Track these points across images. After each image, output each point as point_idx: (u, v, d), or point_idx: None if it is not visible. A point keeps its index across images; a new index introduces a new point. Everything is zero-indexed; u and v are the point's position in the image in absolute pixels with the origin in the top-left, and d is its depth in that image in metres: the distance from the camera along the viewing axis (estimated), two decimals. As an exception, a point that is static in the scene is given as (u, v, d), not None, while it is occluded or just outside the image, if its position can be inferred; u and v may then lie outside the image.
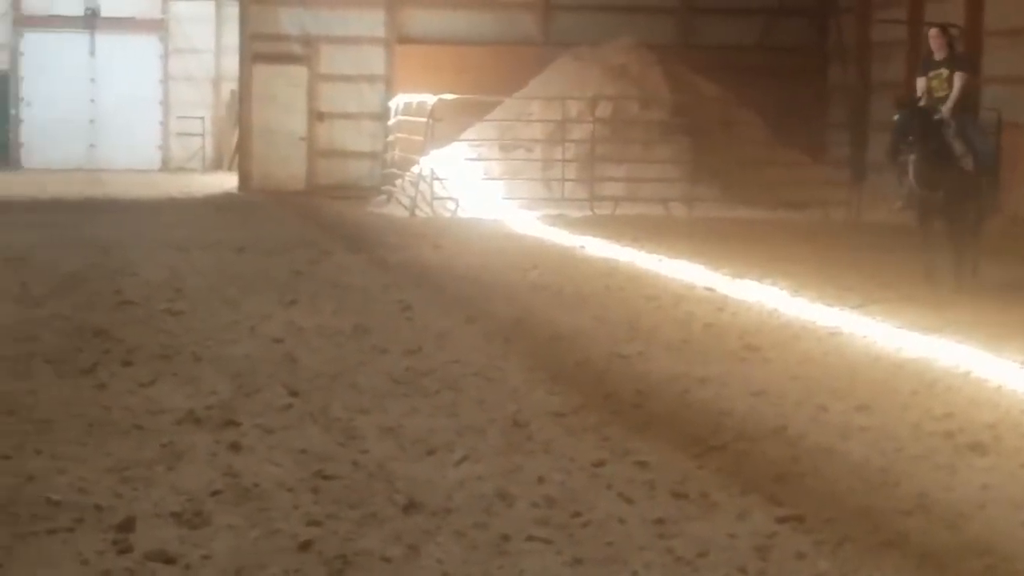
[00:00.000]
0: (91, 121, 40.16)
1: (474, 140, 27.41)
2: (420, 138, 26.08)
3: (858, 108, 27.18)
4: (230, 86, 37.42)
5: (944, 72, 14.80)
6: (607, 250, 18.97)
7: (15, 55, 39.81)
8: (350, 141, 30.07)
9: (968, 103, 15.19)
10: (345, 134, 30.04)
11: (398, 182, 27.37)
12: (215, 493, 6.99)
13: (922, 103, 14.77)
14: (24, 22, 39.75)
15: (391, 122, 28.74)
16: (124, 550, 6.08)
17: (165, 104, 40.82)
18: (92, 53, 40.19)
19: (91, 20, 39.93)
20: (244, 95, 30.33)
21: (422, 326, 12.25)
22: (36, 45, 39.84)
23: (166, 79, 40.82)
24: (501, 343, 11.46)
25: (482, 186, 26.23)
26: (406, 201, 25.73)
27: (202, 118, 40.68)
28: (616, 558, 6.08)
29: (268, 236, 20.25)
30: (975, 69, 15.44)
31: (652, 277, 16.06)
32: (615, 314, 13.08)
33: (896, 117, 14.59)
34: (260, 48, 29.68)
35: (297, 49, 29.81)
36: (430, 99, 25.89)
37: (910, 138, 14.34)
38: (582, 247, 19.42)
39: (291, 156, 29.93)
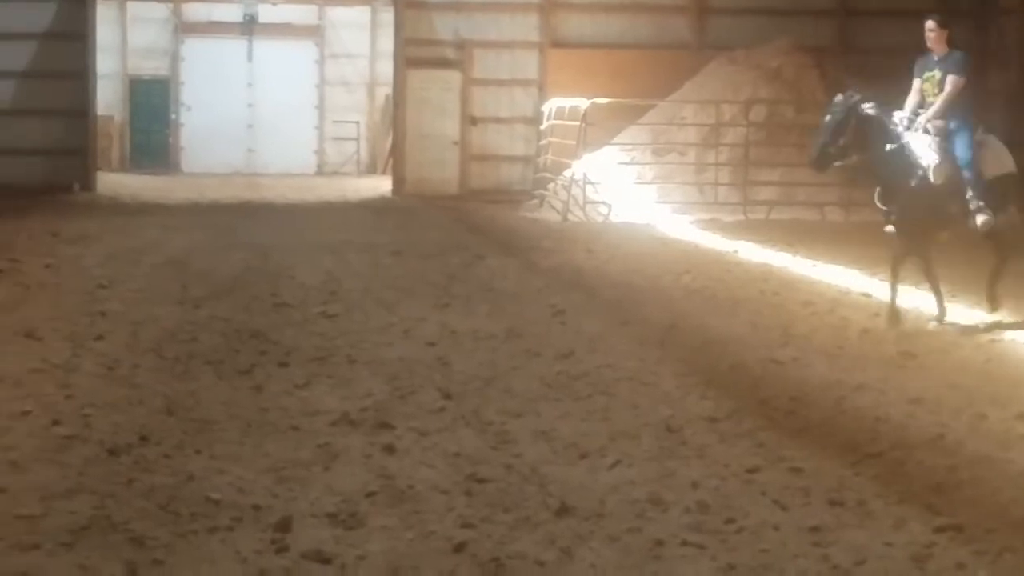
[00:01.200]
0: (249, 126, 40.80)
1: (627, 144, 27.33)
2: (573, 142, 26.06)
3: (1019, 112, 26.58)
4: (385, 91, 37.77)
5: (937, 74, 12.84)
6: (761, 255, 18.82)
7: (176, 61, 40.61)
8: (503, 145, 30.16)
9: (959, 111, 12.74)
10: (498, 138, 30.15)
11: (551, 186, 27.39)
12: (370, 494, 7.05)
13: (911, 105, 12.94)
14: (185, 29, 40.54)
15: (544, 126, 28.78)
16: (281, 549, 6.16)
17: (321, 109, 41.35)
18: (250, 59, 40.84)
19: (249, 26, 40.59)
20: (398, 100, 30.58)
21: (575, 330, 12.24)
22: (196, 51, 40.60)
23: (322, 84, 41.35)
24: (654, 348, 11.41)
25: (635, 190, 26.15)
26: (558, 205, 25.73)
27: (357, 122, 41.12)
28: (771, 565, 6.02)
29: (422, 240, 20.38)
30: (968, 72, 12.82)
31: (807, 282, 15.88)
32: (769, 319, 12.97)
33: (826, 117, 12.72)
34: (414, 53, 29.89)
35: (451, 54, 29.97)
36: (583, 103, 25.86)
37: (841, 141, 12.48)
38: (735, 252, 19.28)
39: (444, 160, 30.11)
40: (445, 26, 29.87)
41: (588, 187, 25.34)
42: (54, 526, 6.39)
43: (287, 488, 7.15)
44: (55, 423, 8.45)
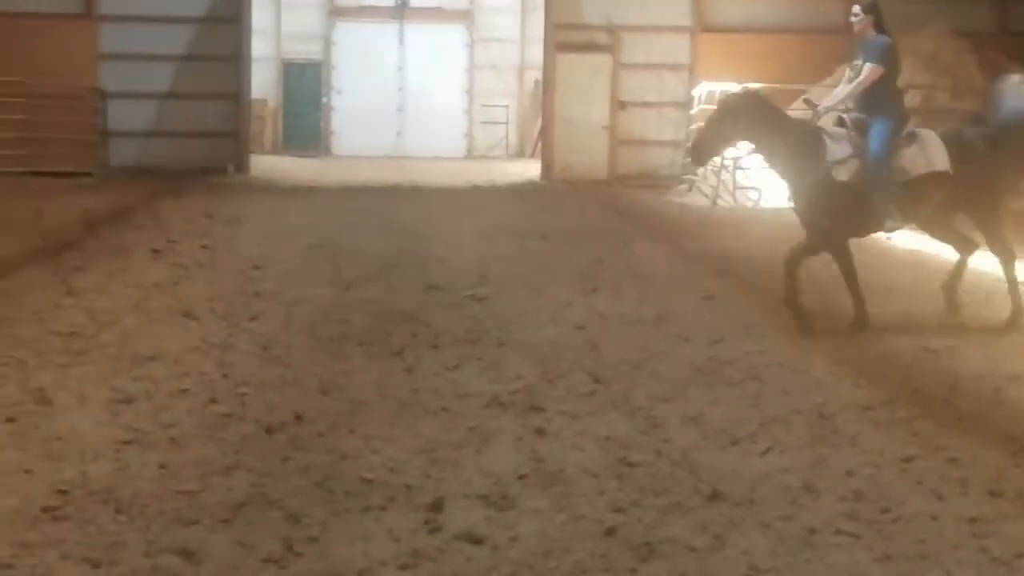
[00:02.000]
0: (399, 109, 41.08)
1: (778, 129, 27.05)
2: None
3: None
4: (534, 75, 37.80)
5: (859, 62, 12.03)
6: (914, 241, 18.52)
7: (328, 45, 41.02)
8: (651, 130, 30.03)
9: (877, 102, 11.79)
10: (647, 123, 30.02)
11: (700, 171, 27.22)
12: (521, 477, 7.08)
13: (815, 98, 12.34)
14: (337, 13, 40.93)
15: (694, 111, 28.61)
16: (434, 530, 6.22)
17: (470, 93, 41.49)
18: (401, 43, 41.13)
19: (400, 10, 40.87)
20: (547, 84, 30.58)
21: (725, 315, 12.17)
22: (347, 35, 40.96)
23: (471, 68, 41.49)
24: (805, 334, 11.29)
25: (785, 176, 25.86)
26: (708, 191, 25.59)
27: (506, 106, 41.21)
28: (928, 555, 5.95)
29: (570, 224, 20.38)
30: (887, 60, 11.84)
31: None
32: (922, 307, 12.77)
33: (716, 107, 12.08)
34: (564, 37, 29.88)
35: (601, 38, 29.90)
36: (734, 87, 25.65)
37: (726, 131, 11.75)
38: (888, 238, 18.98)
39: (593, 145, 30.04)
40: (595, 11, 29.79)
41: (738, 172, 25.14)
42: (213, 502, 6.51)
43: (439, 469, 7.21)
44: (212, 401, 8.61)
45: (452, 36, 41.30)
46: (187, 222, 19.41)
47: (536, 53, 34.28)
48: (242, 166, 29.50)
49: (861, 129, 11.88)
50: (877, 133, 11.76)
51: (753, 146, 12.03)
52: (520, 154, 40.13)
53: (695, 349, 10.63)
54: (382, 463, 7.27)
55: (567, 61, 29.97)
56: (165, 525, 6.18)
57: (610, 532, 6.20)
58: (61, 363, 9.61)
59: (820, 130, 12.01)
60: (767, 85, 25.45)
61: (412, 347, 10.60)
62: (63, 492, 6.58)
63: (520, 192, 27.82)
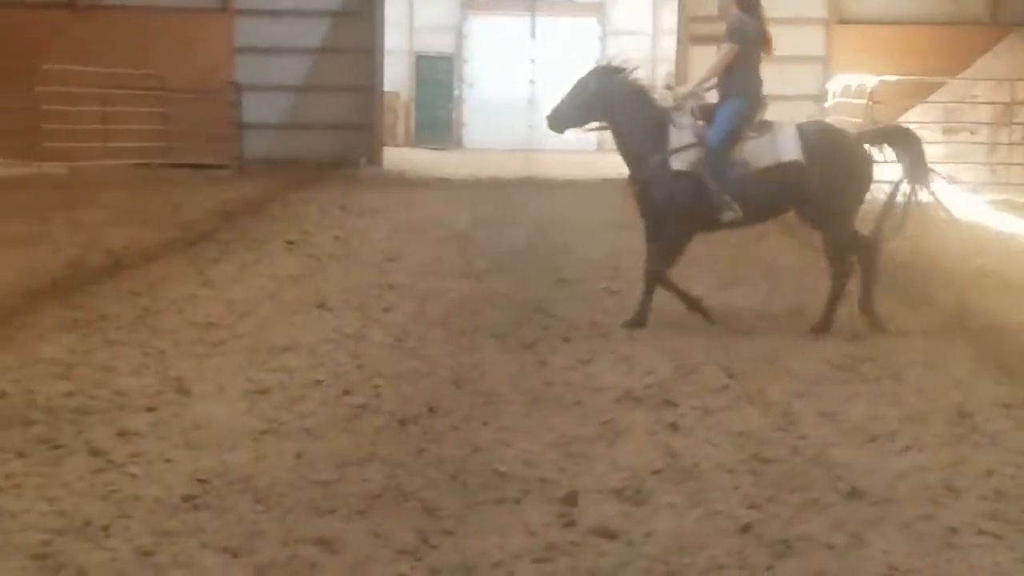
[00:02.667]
0: (530, 102, 41.12)
1: (915, 123, 26.66)
2: (859, 120, 25.56)
3: None
4: (666, 68, 37.63)
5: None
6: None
7: (460, 38, 41.18)
8: (786, 122, 29.74)
9: (729, 85, 11.40)
10: (780, 115, 29.66)
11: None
12: (655, 472, 7.04)
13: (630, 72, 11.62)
14: (470, 6, 41.08)
15: (828, 104, 28.29)
16: (568, 524, 6.20)
17: (602, 86, 41.40)
18: (532, 36, 41.16)
19: (532, 3, 40.91)
20: (680, 77, 30.41)
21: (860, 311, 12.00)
22: (480, 28, 41.10)
23: (603, 61, 41.40)
24: (942, 331, 11.11)
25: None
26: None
27: (638, 100, 41.07)
28: (1076, 558, 5.83)
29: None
30: (737, 38, 11.50)
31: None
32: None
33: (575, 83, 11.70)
34: (697, 30, 29.70)
35: (734, 31, 29.64)
36: (870, 81, 25.33)
37: (582, 105, 11.50)
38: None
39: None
40: (728, 2, 29.57)
41: (873, 166, 24.81)
42: (348, 493, 6.56)
43: (573, 463, 7.20)
44: (347, 392, 8.67)
45: (584, 29, 41.23)
46: (321, 214, 19.60)
47: (668, 46, 34.11)
48: (374, 159, 29.71)
49: (708, 116, 11.37)
50: (720, 120, 11.29)
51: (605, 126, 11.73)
52: (652, 147, 39.96)
53: (831, 345, 10.51)
54: (516, 456, 7.27)
55: (701, 53, 29.76)
56: (302, 515, 6.23)
57: (745, 529, 6.15)
58: (199, 353, 9.74)
59: (668, 117, 11.39)
60: (904, 78, 25.20)
61: (545, 340, 10.59)
62: (202, 481, 6.67)
63: (651, 185, 27.66)
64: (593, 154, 38.77)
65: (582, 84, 11.68)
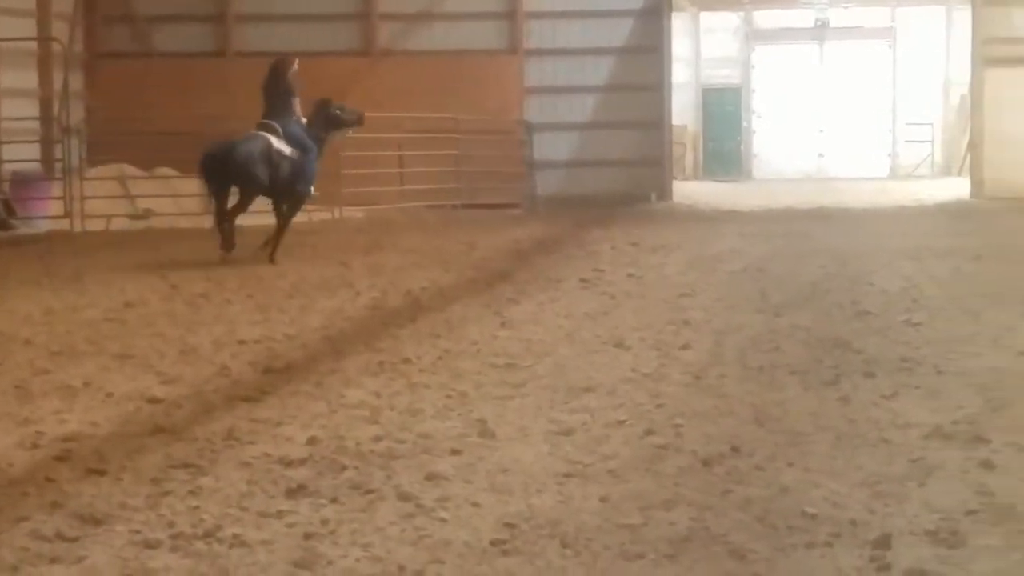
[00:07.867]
0: (819, 131, 40.66)
1: None
2: None
3: None
4: (960, 91, 36.78)
5: None
6: None
7: (747, 69, 40.99)
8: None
9: None
10: None
11: None
12: (970, 512, 6.82)
13: None
14: (756, 36, 40.89)
15: None
16: (882, 568, 6.05)
17: (892, 111, 40.68)
18: (821, 62, 40.70)
19: (820, 31, 40.48)
20: (976, 99, 29.68)
21: None
22: (766, 58, 40.87)
23: (893, 85, 40.68)
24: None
25: None
26: None
27: (931, 124, 40.22)
28: None
29: (1005, 244, 19.68)
30: None
31: None
32: None
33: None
34: (993, 51, 28.90)
35: (1034, 51, 28.81)
36: None
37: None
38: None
39: (1027, 161, 28.93)
40: (1027, 23, 28.73)
41: None
42: (655, 536, 6.52)
43: (883, 503, 7.02)
44: (648, 432, 8.63)
45: (873, 53, 40.62)
46: (613, 250, 19.68)
47: (962, 68, 33.32)
48: (664, 193, 29.76)
49: None
50: None
51: None
52: (947, 172, 39.09)
53: None
54: (824, 497, 7.12)
55: (997, 76, 28.96)
56: (611, 560, 6.22)
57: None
58: (500, 395, 9.84)
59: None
60: None
61: (846, 375, 10.39)
62: (510, 525, 6.71)
63: (949, 211, 27.06)
64: (885, 181, 38.13)
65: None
